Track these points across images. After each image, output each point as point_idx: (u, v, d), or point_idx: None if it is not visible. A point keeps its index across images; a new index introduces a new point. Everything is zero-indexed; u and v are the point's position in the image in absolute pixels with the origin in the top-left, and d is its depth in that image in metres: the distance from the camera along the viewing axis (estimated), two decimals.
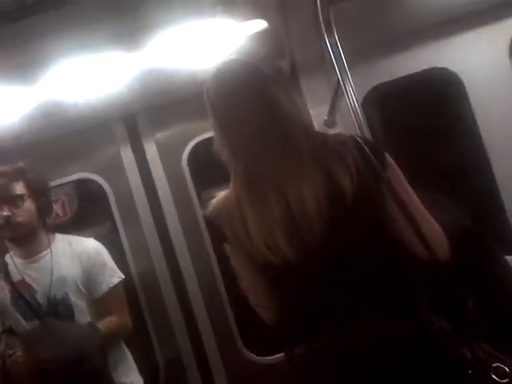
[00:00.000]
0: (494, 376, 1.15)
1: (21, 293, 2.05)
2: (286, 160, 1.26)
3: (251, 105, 1.30)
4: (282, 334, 1.34)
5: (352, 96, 1.81)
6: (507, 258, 1.57)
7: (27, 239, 2.13)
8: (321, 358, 1.25)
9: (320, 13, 1.81)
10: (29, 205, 2.10)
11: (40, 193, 2.13)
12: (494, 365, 1.17)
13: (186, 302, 2.65)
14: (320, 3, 1.80)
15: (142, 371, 2.29)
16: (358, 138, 1.29)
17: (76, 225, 2.65)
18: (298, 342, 1.29)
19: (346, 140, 1.28)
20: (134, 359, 2.27)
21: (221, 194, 1.34)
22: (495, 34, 2.51)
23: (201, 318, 2.65)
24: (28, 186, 2.10)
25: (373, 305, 1.23)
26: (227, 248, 1.36)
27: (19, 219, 2.07)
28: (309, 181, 1.23)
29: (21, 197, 2.08)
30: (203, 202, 2.61)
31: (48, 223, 2.23)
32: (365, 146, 1.26)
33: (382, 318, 1.22)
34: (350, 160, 1.23)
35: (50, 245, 2.15)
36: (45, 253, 2.14)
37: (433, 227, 1.28)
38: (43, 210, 2.15)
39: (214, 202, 1.34)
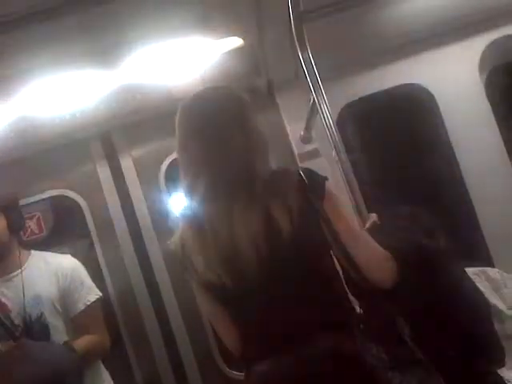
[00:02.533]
0: None
1: None
2: (236, 193, 1.31)
3: (219, 133, 1.33)
4: (241, 354, 1.39)
5: (326, 112, 1.84)
6: (469, 269, 1.60)
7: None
8: (276, 375, 1.29)
9: (294, 31, 1.84)
10: None
11: (10, 209, 2.09)
12: None
13: (164, 319, 2.62)
14: (293, 21, 1.83)
15: None
16: (301, 172, 1.33)
17: (52, 242, 2.62)
18: (255, 361, 1.33)
19: (290, 176, 1.33)
20: (112, 379, 2.23)
21: (179, 230, 1.38)
22: (466, 50, 2.58)
23: (180, 336, 2.62)
24: None
25: (318, 325, 1.28)
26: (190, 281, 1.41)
27: None
28: (249, 217, 1.28)
29: None
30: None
31: (23, 240, 2.19)
32: (305, 180, 1.31)
33: (328, 336, 1.27)
34: (291, 197, 1.28)
35: (24, 262, 2.11)
36: (19, 271, 2.09)
37: (372, 257, 1.31)
38: (14, 226, 2.12)
39: (172, 240, 1.39)
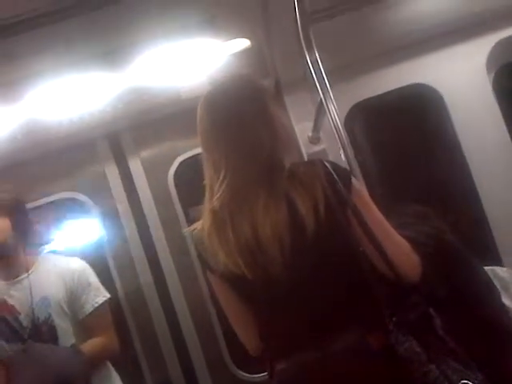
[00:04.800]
0: None
1: (2, 315, 2.01)
2: (260, 185, 1.28)
3: (241, 124, 1.31)
4: (262, 353, 1.36)
5: (334, 113, 1.83)
6: (486, 268, 1.60)
7: (6, 260, 2.09)
8: (302, 373, 1.27)
9: (300, 31, 1.84)
10: (2, 225, 2.06)
11: (15, 211, 2.09)
12: (461, 382, 1.20)
13: (174, 321, 2.63)
14: (300, 22, 1.82)
15: None
16: (327, 164, 1.30)
17: (60, 244, 2.62)
18: (278, 359, 1.30)
19: (315, 167, 1.30)
20: (123, 381, 2.22)
21: (198, 223, 1.36)
22: (473, 50, 2.57)
23: (189, 337, 2.62)
24: (1, 207, 2.06)
25: (344, 320, 1.26)
26: (209, 277, 1.39)
27: None
28: (272, 211, 1.26)
29: None
30: (190, 220, 2.61)
31: (31, 242, 2.19)
32: (332, 172, 1.28)
33: (355, 332, 1.24)
34: (317, 189, 1.25)
35: (32, 265, 2.11)
36: (27, 274, 2.09)
37: (400, 249, 1.28)
38: (20, 228, 2.11)
39: (194, 231, 1.37)
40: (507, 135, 2.60)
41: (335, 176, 1.27)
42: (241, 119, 1.31)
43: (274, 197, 1.27)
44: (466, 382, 1.20)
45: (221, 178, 1.29)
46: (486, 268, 2.25)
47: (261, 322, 1.35)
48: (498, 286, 2.25)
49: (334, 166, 1.31)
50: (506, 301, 2.19)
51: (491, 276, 2.27)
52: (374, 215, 1.29)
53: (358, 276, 1.29)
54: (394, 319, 1.26)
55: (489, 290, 1.50)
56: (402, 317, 1.26)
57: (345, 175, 1.30)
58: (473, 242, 2.45)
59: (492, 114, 2.59)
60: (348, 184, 1.28)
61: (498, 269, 2.28)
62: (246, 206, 1.28)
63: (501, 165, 2.59)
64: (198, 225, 1.36)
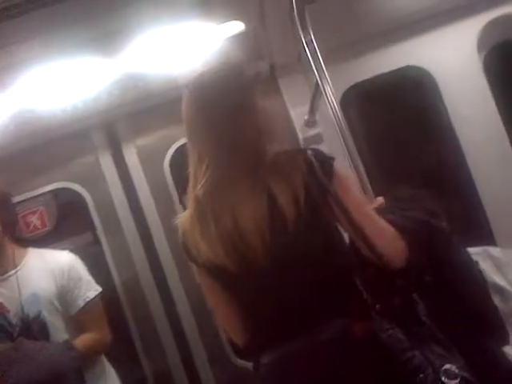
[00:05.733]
0: (443, 378, 1.20)
1: None
2: (241, 175, 1.30)
3: (228, 112, 1.32)
4: (248, 344, 1.37)
5: (330, 95, 1.83)
6: (472, 249, 1.62)
7: None
8: (287, 363, 1.29)
9: (295, 13, 1.83)
10: None
11: (1, 207, 2.06)
12: (444, 367, 1.21)
13: (172, 311, 2.60)
14: (295, 4, 1.82)
15: None
16: (309, 151, 1.32)
17: (56, 236, 2.59)
18: (264, 350, 1.32)
19: (296, 157, 1.31)
20: (120, 373, 2.19)
21: (182, 215, 1.38)
22: (464, 30, 2.58)
23: (189, 327, 2.60)
24: None
25: (328, 309, 1.28)
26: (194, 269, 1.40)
27: None
28: (252, 202, 1.27)
29: None
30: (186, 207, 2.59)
31: (19, 237, 2.15)
32: (313, 159, 1.29)
33: (340, 321, 1.26)
34: (297, 179, 1.26)
35: (21, 260, 2.07)
36: (15, 270, 2.05)
37: (382, 232, 1.29)
38: (7, 223, 2.07)
39: (181, 220, 1.37)
40: (498, 116, 2.63)
41: (315, 164, 1.28)
42: (226, 109, 1.32)
43: (256, 187, 1.28)
44: (448, 366, 1.22)
45: (204, 167, 1.30)
46: (479, 248, 2.28)
47: (245, 314, 1.36)
48: (492, 266, 2.28)
49: (316, 153, 1.32)
50: (498, 280, 2.23)
51: (485, 255, 2.30)
52: (356, 201, 1.30)
53: (340, 265, 1.31)
54: (377, 307, 1.28)
55: (473, 277, 1.50)
56: (385, 304, 1.28)
57: (326, 162, 1.31)
58: (467, 224, 2.50)
59: (483, 95, 2.61)
60: (329, 171, 1.29)
61: (491, 248, 2.32)
62: (229, 196, 1.29)
63: (492, 145, 2.62)
64: (185, 213, 1.37)
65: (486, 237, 2.56)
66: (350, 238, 1.33)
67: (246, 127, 1.31)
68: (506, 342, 1.48)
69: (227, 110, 1.32)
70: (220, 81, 1.36)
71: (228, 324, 1.43)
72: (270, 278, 1.28)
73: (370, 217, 1.31)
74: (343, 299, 1.29)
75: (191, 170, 1.35)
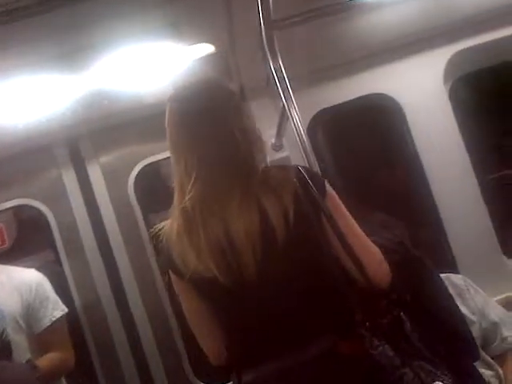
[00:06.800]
0: None
1: None
2: (232, 188, 1.28)
3: (215, 124, 1.31)
4: (228, 363, 1.34)
5: (297, 120, 1.84)
6: (442, 275, 1.64)
7: None
8: (272, 381, 1.26)
9: (264, 38, 1.84)
10: None
11: None
12: (434, 383, 1.22)
13: (133, 333, 2.56)
14: (264, 29, 1.83)
15: None
16: (301, 169, 1.31)
17: (15, 254, 2.56)
18: (247, 367, 1.29)
19: (288, 173, 1.31)
20: None
21: (162, 224, 1.35)
22: (431, 61, 2.64)
23: (149, 349, 2.56)
24: None
25: (316, 327, 1.26)
26: (171, 277, 1.36)
27: None
28: (243, 214, 1.26)
29: None
30: (150, 227, 2.55)
31: None
32: (306, 177, 1.29)
33: (327, 338, 1.25)
34: (287, 195, 1.26)
35: None
36: None
37: (371, 254, 1.30)
38: None
39: (160, 231, 1.35)
40: (462, 143, 2.68)
41: (309, 181, 1.27)
42: (213, 119, 1.31)
43: (247, 200, 1.26)
44: (439, 383, 1.23)
45: (193, 178, 1.28)
46: (442, 275, 2.32)
47: (229, 329, 1.33)
48: (453, 293, 2.32)
49: (308, 171, 1.33)
50: (460, 307, 2.26)
51: (447, 283, 2.34)
52: (348, 221, 1.30)
53: (329, 282, 1.29)
54: (367, 324, 1.27)
55: (445, 296, 1.55)
56: (375, 322, 1.27)
57: (319, 180, 1.31)
58: (431, 250, 2.53)
59: (448, 124, 2.67)
60: (322, 189, 1.29)
61: (453, 276, 2.36)
62: (219, 208, 1.27)
63: (456, 173, 2.67)
64: (165, 224, 1.33)
65: (448, 264, 2.59)
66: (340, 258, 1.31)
67: (237, 137, 1.30)
68: (478, 358, 1.53)
69: (215, 120, 1.31)
70: (204, 93, 1.35)
71: (206, 340, 1.38)
72: (259, 291, 1.26)
73: (361, 239, 1.31)
74: (331, 315, 1.28)
75: (176, 182, 1.32)
